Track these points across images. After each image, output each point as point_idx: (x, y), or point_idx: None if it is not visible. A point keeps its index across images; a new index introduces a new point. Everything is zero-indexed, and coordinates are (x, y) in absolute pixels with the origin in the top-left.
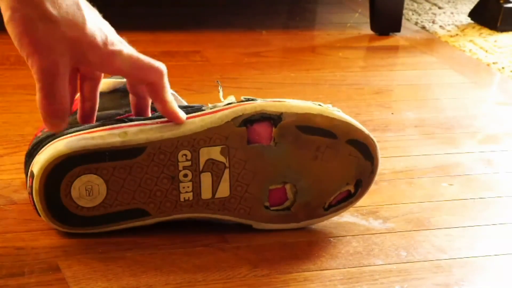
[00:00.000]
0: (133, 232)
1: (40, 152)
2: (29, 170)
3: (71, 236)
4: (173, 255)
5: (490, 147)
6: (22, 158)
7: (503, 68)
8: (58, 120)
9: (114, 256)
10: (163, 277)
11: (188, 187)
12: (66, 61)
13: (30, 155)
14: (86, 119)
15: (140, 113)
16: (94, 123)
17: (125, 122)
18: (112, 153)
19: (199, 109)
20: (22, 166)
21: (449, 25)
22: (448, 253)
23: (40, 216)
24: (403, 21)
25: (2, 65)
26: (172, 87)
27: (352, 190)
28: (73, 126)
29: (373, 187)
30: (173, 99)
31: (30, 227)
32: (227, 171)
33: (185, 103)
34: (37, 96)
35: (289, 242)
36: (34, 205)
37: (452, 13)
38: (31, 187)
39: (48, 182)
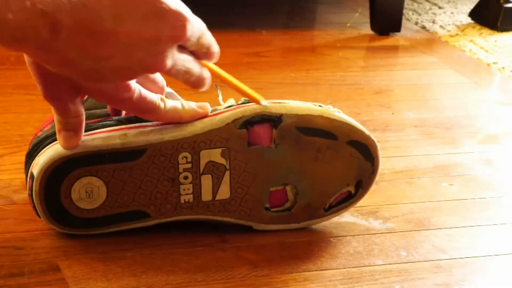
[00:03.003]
0: (133, 232)
1: (40, 153)
2: (29, 172)
3: (71, 236)
4: (173, 255)
5: (490, 147)
6: (22, 158)
7: (503, 68)
8: (71, 132)
9: (114, 256)
10: (163, 277)
11: (188, 189)
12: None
13: (31, 156)
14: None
15: (116, 113)
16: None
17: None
18: (112, 155)
19: None
20: (22, 166)
21: (449, 25)
22: (448, 253)
23: (40, 217)
24: (403, 21)
25: (2, 65)
26: (171, 86)
27: (353, 191)
28: None
29: (373, 187)
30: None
31: (30, 227)
32: (227, 173)
33: None
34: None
35: (289, 242)
36: (34, 206)
37: (452, 13)
38: (31, 189)
39: (48, 184)
